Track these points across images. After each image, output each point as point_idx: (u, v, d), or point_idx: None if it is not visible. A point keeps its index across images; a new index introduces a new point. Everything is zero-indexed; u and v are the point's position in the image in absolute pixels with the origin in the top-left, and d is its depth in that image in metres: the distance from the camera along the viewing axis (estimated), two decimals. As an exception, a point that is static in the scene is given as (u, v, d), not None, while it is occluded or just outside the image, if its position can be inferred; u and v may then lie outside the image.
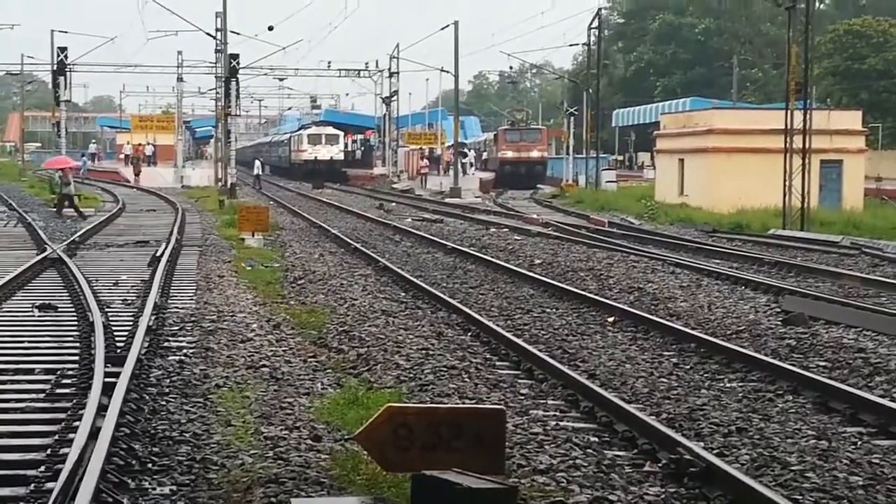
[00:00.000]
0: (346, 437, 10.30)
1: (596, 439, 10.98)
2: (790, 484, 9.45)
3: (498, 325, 17.12)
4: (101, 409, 10.16)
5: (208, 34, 68.75)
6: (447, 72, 78.33)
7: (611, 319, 18.51)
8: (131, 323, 15.98)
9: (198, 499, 8.59)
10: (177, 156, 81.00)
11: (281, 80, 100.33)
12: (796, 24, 41.28)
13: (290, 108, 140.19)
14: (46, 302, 18.20)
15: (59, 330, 15.89)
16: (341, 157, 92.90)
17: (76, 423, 9.92)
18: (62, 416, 10.63)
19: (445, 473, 6.67)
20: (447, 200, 61.33)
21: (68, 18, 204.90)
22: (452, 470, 6.76)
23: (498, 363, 14.83)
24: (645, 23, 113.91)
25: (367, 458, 8.82)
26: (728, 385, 13.66)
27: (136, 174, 78.28)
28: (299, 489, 8.84)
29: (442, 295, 20.64)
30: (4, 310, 17.83)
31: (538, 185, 77.64)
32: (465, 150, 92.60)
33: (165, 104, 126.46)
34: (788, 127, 40.25)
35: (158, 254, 25.02)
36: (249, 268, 25.37)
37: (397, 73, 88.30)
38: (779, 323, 18.24)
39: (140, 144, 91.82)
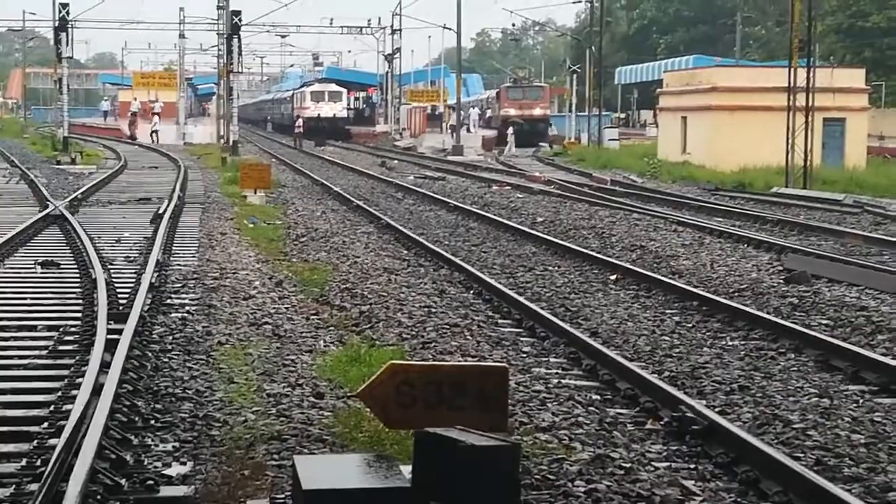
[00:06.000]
0: (348, 394, 10.31)
1: (598, 397, 11.00)
2: (792, 442, 9.47)
3: (500, 283, 17.11)
4: (104, 366, 10.17)
5: (210, -10, 68.57)
6: (450, 29, 78.02)
7: (613, 277, 18.51)
8: (134, 280, 15.98)
9: (201, 455, 8.61)
10: (179, 113, 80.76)
11: (283, 37, 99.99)
12: (800, -20, 41.04)
13: (292, 66, 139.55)
14: (49, 259, 18.22)
15: (62, 287, 15.90)
16: (344, 114, 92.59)
17: (79, 380, 9.95)
18: (65, 372, 10.66)
19: (448, 431, 6.66)
20: (449, 158, 61.24)
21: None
22: (455, 427, 6.75)
23: (500, 321, 14.84)
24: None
25: (369, 416, 8.82)
26: (730, 343, 13.66)
27: (131, 136, 77.50)
28: (302, 446, 8.87)
29: (444, 253, 20.64)
30: (7, 266, 17.85)
31: (540, 143, 77.37)
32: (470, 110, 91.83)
33: (167, 61, 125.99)
34: (791, 85, 40.09)
35: (161, 211, 25.00)
36: (252, 225, 25.35)
37: (399, 30, 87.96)
38: (781, 281, 18.23)
39: (148, 102, 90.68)
